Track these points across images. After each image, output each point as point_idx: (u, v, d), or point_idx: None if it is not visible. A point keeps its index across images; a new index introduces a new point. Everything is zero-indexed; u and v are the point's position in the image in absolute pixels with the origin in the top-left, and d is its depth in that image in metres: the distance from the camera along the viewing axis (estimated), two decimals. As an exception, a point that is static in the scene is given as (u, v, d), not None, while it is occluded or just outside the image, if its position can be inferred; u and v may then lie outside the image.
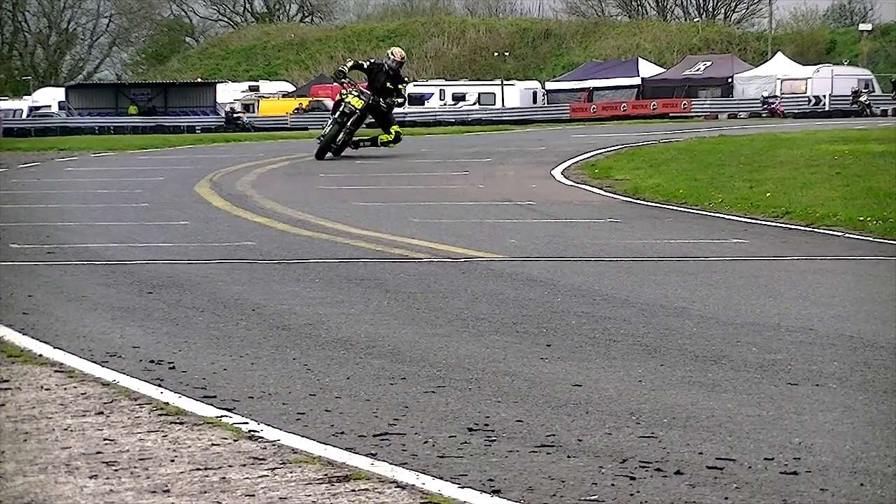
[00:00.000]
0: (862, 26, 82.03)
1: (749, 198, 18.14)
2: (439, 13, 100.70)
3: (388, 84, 27.85)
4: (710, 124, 53.61)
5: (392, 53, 28.55)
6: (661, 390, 6.85)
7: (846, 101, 61.52)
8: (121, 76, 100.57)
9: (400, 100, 28.68)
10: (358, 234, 14.68)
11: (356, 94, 27.43)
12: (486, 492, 5.07)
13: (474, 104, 69.63)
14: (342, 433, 5.96)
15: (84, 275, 11.55)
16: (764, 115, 60.34)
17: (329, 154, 27.42)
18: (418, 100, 69.21)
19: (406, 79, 31.29)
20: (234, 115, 64.52)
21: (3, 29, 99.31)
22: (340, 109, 27.36)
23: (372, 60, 29.48)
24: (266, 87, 79.53)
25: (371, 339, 8.30)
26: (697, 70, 71.29)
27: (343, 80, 27.76)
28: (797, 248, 13.77)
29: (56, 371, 7.34)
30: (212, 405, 6.50)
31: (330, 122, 27.87)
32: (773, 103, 61.53)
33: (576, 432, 5.96)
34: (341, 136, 27.36)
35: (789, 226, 15.61)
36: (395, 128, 28.62)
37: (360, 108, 27.22)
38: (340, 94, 27.75)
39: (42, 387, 6.93)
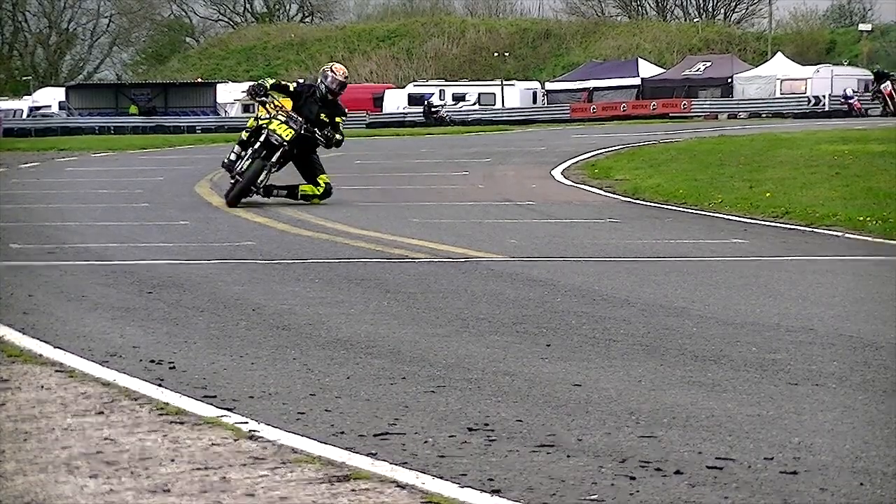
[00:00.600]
0: (862, 26, 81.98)
1: (749, 198, 18.16)
2: (439, 13, 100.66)
3: (323, 115, 19.01)
4: (710, 124, 53.60)
5: (332, 70, 19.38)
6: (661, 390, 6.85)
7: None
8: (121, 76, 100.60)
9: (339, 136, 19.15)
10: (358, 234, 14.68)
11: (283, 119, 18.85)
12: (486, 492, 5.06)
13: (474, 104, 69.64)
14: (342, 433, 5.96)
15: (84, 275, 11.55)
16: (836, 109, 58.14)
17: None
18: (418, 100, 69.23)
19: (347, 110, 20.07)
20: (433, 109, 63.21)
21: (3, 29, 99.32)
22: (262, 139, 18.82)
23: (300, 81, 20.45)
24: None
25: (371, 339, 8.29)
26: (697, 70, 71.27)
27: (264, 97, 19.01)
28: (797, 248, 13.78)
29: (56, 371, 7.33)
30: (212, 405, 6.50)
31: (248, 154, 18.93)
32: (852, 99, 59.11)
33: (576, 432, 5.96)
34: (263, 175, 18.76)
35: (789, 226, 15.63)
36: (324, 178, 19.11)
37: (288, 140, 18.72)
38: (258, 119, 19.46)
39: (42, 386, 6.93)
